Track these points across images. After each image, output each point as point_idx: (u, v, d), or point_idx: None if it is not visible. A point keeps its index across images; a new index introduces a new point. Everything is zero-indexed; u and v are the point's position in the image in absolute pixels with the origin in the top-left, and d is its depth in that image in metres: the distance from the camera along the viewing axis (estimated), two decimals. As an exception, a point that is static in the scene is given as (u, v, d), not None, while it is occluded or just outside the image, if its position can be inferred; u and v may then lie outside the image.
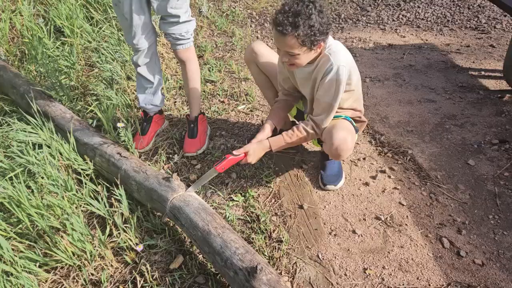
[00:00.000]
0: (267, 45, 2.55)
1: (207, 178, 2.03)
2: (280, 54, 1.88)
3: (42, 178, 2.05)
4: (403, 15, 4.08)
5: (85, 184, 2.16)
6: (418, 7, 4.20)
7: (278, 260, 1.80)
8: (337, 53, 1.87)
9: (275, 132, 2.15)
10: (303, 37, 1.71)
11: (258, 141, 2.05)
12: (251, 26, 4.04)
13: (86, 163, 2.24)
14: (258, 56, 2.23)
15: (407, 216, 2.00)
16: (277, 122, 2.17)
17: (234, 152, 1.99)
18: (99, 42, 3.22)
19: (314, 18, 1.69)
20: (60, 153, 2.23)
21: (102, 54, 3.11)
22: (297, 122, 2.27)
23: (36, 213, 1.85)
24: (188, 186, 2.08)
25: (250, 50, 2.25)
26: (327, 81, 1.87)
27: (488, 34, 3.63)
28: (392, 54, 3.44)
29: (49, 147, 2.23)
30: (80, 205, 2.02)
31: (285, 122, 2.28)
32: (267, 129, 2.11)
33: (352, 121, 2.09)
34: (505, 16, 3.80)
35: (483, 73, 3.08)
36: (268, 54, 2.25)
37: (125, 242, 1.87)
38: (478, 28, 3.73)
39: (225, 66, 3.32)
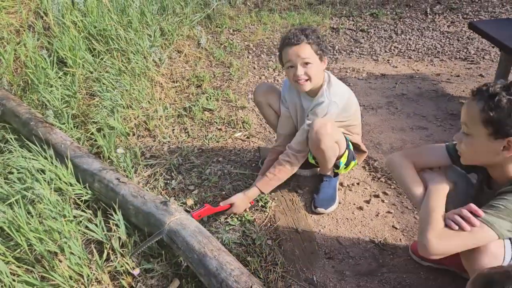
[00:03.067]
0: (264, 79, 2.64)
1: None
2: (292, 73, 1.98)
3: (40, 203, 2.09)
4: (395, 47, 4.21)
5: (83, 209, 2.20)
6: (410, 39, 4.35)
7: (274, 282, 1.82)
8: (334, 90, 2.03)
9: None
10: (315, 45, 1.93)
11: (246, 192, 2.17)
12: (248, 57, 4.16)
13: (85, 188, 2.28)
14: (269, 94, 2.34)
15: (400, 240, 2.03)
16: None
17: (221, 203, 2.13)
18: (100, 72, 3.32)
19: (318, 32, 1.97)
20: (59, 179, 2.27)
21: (103, 83, 3.20)
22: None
23: (34, 237, 1.88)
24: (185, 211, 2.12)
25: (261, 90, 2.35)
26: (317, 110, 2.03)
27: (477, 64, 3.75)
28: (385, 83, 3.55)
29: (43, 172, 2.28)
30: (78, 230, 2.05)
31: None
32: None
33: (350, 143, 2.19)
34: (493, 47, 3.93)
35: (473, 101, 3.17)
36: (277, 90, 2.35)
37: (122, 266, 1.89)
38: (468, 59, 3.85)
39: (223, 95, 3.41)
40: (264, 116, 2.46)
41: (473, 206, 1.30)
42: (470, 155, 1.41)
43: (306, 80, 1.99)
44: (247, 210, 2.23)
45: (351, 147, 2.22)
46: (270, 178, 2.16)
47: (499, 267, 1.24)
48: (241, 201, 2.15)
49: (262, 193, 2.18)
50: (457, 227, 1.29)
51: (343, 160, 2.17)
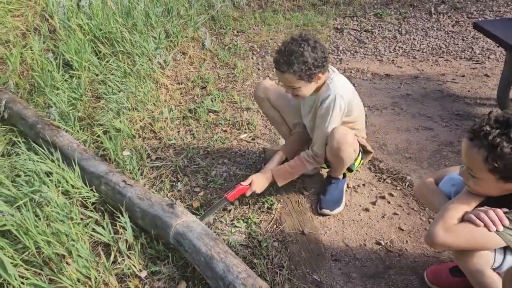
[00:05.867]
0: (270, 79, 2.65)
1: (218, 206, 2.16)
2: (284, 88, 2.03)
3: (48, 206, 2.10)
4: (399, 47, 4.20)
5: (91, 211, 2.22)
6: (414, 39, 4.33)
7: (280, 285, 1.83)
8: (337, 84, 2.02)
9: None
10: (299, 73, 1.88)
11: (263, 171, 2.20)
12: (252, 58, 4.17)
13: (92, 190, 2.30)
14: (270, 91, 2.36)
15: (406, 241, 2.03)
16: (288, 152, 2.31)
17: (242, 182, 2.13)
18: (106, 74, 3.34)
19: (307, 55, 1.85)
20: (66, 181, 2.29)
21: (109, 86, 3.21)
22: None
23: (42, 240, 1.89)
24: (192, 213, 2.13)
25: (261, 87, 2.38)
26: (324, 107, 2.02)
27: (482, 64, 3.73)
28: (390, 84, 3.54)
29: (51, 175, 2.29)
30: (86, 232, 2.06)
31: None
32: (276, 159, 2.27)
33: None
34: (498, 47, 3.91)
35: (478, 101, 3.16)
36: (278, 89, 2.36)
37: (129, 269, 1.90)
38: (473, 59, 3.84)
39: (228, 97, 3.42)
40: (264, 113, 2.49)
41: (500, 212, 1.31)
42: (481, 192, 1.39)
43: (297, 97, 2.03)
44: (253, 212, 2.23)
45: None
46: (287, 170, 2.18)
47: None
48: (257, 179, 2.15)
49: (275, 182, 2.19)
50: (480, 223, 1.29)
51: (357, 162, 2.22)
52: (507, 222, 1.28)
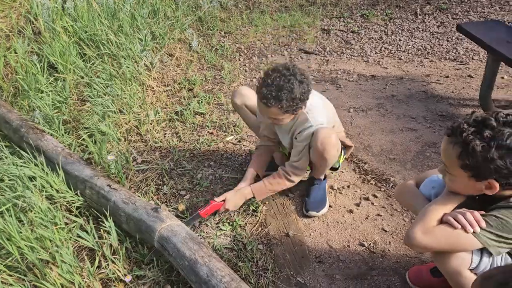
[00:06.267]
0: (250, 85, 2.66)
1: (191, 222, 2.13)
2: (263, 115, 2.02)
3: (31, 211, 2.09)
4: (385, 48, 4.24)
5: (75, 216, 2.21)
6: (400, 40, 4.38)
7: None
8: (314, 111, 2.05)
9: (258, 178, 2.29)
10: (286, 108, 1.86)
11: (237, 189, 2.19)
12: (239, 59, 4.17)
13: (76, 195, 2.29)
14: (246, 98, 2.38)
15: (389, 242, 2.05)
16: (258, 168, 2.33)
17: (216, 198, 2.13)
18: (91, 77, 3.32)
19: (296, 91, 1.83)
20: (51, 186, 2.27)
21: (94, 89, 3.20)
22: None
23: (26, 245, 1.88)
24: (178, 216, 2.13)
25: (238, 93, 2.39)
26: (304, 136, 2.06)
27: (466, 65, 3.78)
28: (375, 85, 3.57)
29: (35, 179, 2.28)
30: (70, 237, 2.05)
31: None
32: (248, 177, 2.27)
33: None
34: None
35: (461, 102, 3.21)
36: (254, 95, 2.37)
37: (113, 273, 1.90)
38: (457, 60, 3.89)
39: (214, 99, 3.42)
40: (243, 119, 2.52)
41: (477, 214, 1.33)
42: (455, 189, 1.42)
43: (277, 123, 2.04)
44: (238, 215, 2.24)
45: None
46: (267, 187, 2.19)
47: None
48: (231, 196, 2.14)
49: (254, 197, 2.20)
50: (457, 225, 1.32)
51: (341, 160, 2.28)
52: (483, 224, 1.31)
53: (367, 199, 2.33)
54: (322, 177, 2.30)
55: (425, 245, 1.37)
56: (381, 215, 2.21)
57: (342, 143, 2.28)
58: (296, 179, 2.20)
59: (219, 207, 2.13)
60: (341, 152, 2.22)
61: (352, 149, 2.43)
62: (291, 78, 1.83)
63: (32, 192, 2.17)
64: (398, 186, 1.76)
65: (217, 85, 3.67)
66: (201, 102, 3.35)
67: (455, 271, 1.38)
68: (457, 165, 1.31)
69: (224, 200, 2.13)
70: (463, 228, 1.32)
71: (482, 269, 1.37)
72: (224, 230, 2.17)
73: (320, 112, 2.07)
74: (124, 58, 3.49)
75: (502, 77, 3.48)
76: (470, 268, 1.38)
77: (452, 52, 4.02)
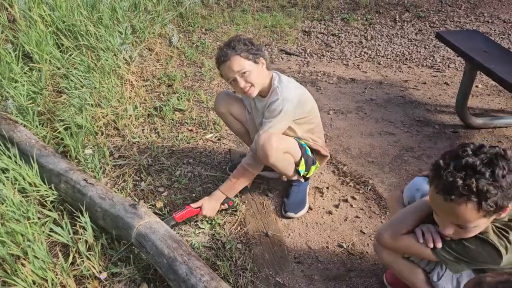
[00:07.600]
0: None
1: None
2: (236, 86, 2.06)
3: (3, 204, 2.02)
4: (365, 52, 4.30)
5: (49, 210, 2.14)
6: (379, 45, 4.45)
7: (243, 287, 1.83)
8: (285, 87, 2.06)
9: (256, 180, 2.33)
10: (245, 52, 1.99)
11: (211, 196, 2.15)
12: (220, 57, 4.14)
13: (50, 189, 2.22)
14: (230, 105, 2.35)
15: (367, 244, 2.08)
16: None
17: (192, 205, 2.11)
18: (68, 68, 3.23)
19: (246, 40, 2.03)
20: (24, 179, 2.20)
21: (71, 80, 3.11)
22: None
23: (-4, 240, 1.81)
24: (155, 213, 2.09)
25: (222, 100, 2.36)
26: (272, 109, 2.05)
27: (442, 72, 3.88)
28: (355, 88, 3.61)
29: (7, 172, 2.20)
30: (43, 232, 1.99)
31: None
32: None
33: (307, 148, 2.21)
34: (458, 56, 4.08)
35: (438, 108, 3.28)
36: (238, 100, 2.35)
37: (88, 270, 1.85)
38: (434, 67, 3.98)
39: (194, 96, 3.39)
40: (228, 126, 2.47)
41: (438, 237, 1.37)
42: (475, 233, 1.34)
43: (251, 86, 2.04)
44: (217, 213, 2.22)
45: (309, 152, 2.23)
46: (233, 182, 2.15)
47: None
48: (207, 203, 2.11)
49: (227, 197, 2.18)
50: (421, 240, 1.39)
51: (301, 168, 2.20)
52: (440, 246, 1.36)
53: (346, 201, 2.35)
54: (302, 179, 2.30)
55: (390, 247, 1.50)
56: (359, 217, 2.23)
57: (317, 152, 2.28)
58: (260, 165, 2.13)
59: (195, 214, 2.10)
60: (301, 158, 2.17)
61: (327, 159, 2.38)
62: (236, 37, 2.06)
63: (4, 184, 2.09)
64: (388, 196, 1.81)
65: (197, 82, 3.64)
66: (181, 98, 3.31)
67: (391, 260, 1.54)
68: (480, 217, 1.22)
69: (200, 207, 2.10)
70: (425, 242, 1.38)
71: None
72: (203, 228, 2.14)
73: (290, 89, 2.07)
74: (103, 51, 3.42)
75: (477, 86, 3.58)
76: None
77: (430, 59, 4.12)
